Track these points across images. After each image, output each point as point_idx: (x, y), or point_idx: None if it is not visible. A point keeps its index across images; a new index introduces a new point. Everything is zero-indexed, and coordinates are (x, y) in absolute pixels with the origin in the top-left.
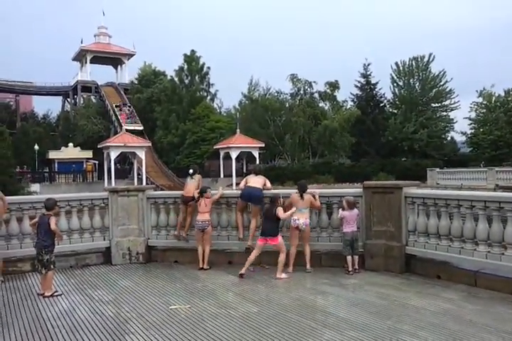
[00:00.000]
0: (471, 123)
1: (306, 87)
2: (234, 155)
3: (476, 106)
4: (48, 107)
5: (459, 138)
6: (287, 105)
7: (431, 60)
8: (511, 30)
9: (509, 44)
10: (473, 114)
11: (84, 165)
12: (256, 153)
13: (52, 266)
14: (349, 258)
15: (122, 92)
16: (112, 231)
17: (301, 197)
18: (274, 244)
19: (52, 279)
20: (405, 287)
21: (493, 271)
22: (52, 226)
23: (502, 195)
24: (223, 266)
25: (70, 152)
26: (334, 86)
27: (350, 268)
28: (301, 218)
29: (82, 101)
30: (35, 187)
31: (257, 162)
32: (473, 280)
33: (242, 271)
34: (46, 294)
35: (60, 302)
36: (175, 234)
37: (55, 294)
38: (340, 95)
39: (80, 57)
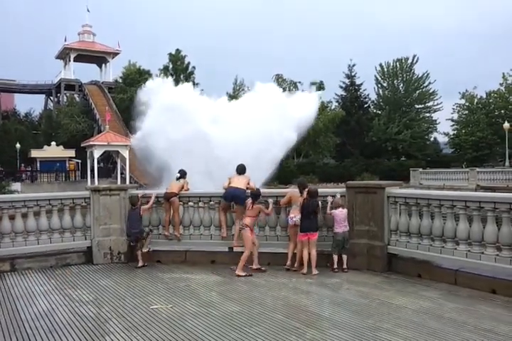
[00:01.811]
0: (453, 125)
1: (292, 87)
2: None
3: (458, 108)
4: (30, 105)
5: (442, 139)
6: None
7: (415, 61)
8: (495, 32)
9: (492, 45)
10: (455, 116)
11: (67, 164)
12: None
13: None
14: (335, 257)
15: (106, 91)
16: (94, 230)
17: (301, 194)
18: (313, 238)
19: (141, 255)
20: (387, 286)
21: (473, 269)
22: (145, 207)
23: (482, 195)
24: (206, 265)
25: (53, 151)
26: (319, 86)
27: (335, 266)
28: (298, 215)
29: (65, 100)
30: (16, 186)
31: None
32: (454, 279)
33: (304, 271)
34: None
35: (39, 302)
36: (165, 234)
37: (145, 265)
38: (325, 96)
39: (64, 55)
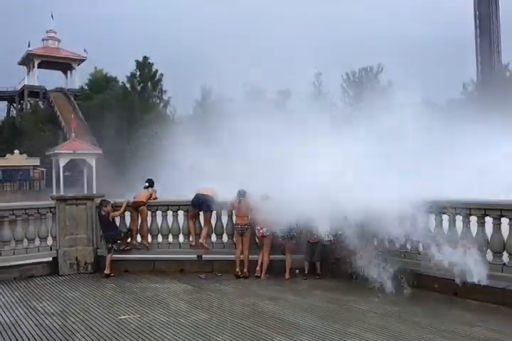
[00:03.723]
0: None
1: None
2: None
3: None
4: None
5: None
6: None
7: (380, 70)
8: (454, 43)
9: (452, 56)
10: None
11: (32, 173)
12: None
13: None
14: (307, 264)
15: (72, 98)
16: (59, 240)
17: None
18: (288, 246)
19: (109, 261)
20: (352, 291)
21: (435, 272)
22: (113, 215)
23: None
24: (175, 274)
25: (16, 159)
26: (286, 94)
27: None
28: (265, 227)
29: (29, 107)
30: None
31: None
32: (418, 282)
33: (286, 277)
34: (106, 272)
35: (2, 315)
36: (133, 243)
37: (111, 275)
38: (292, 104)
39: (27, 61)
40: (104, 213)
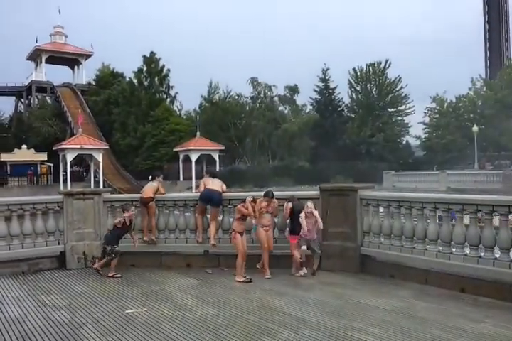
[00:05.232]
0: (424, 128)
1: (267, 91)
2: (194, 157)
3: (429, 112)
4: None
5: (414, 142)
6: (247, 108)
7: (387, 66)
8: (465, 40)
9: (462, 52)
10: (426, 119)
11: (39, 168)
12: (216, 156)
13: (113, 255)
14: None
15: (79, 93)
16: (67, 235)
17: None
18: (292, 242)
19: (114, 264)
20: (360, 286)
21: (443, 269)
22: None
23: (450, 197)
24: (181, 268)
25: (24, 154)
26: (294, 90)
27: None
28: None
29: (36, 102)
30: None
31: (217, 165)
32: (425, 278)
33: (292, 272)
34: (108, 274)
35: (11, 309)
36: (144, 240)
37: (116, 276)
38: (300, 99)
39: (35, 56)
40: (122, 219)
